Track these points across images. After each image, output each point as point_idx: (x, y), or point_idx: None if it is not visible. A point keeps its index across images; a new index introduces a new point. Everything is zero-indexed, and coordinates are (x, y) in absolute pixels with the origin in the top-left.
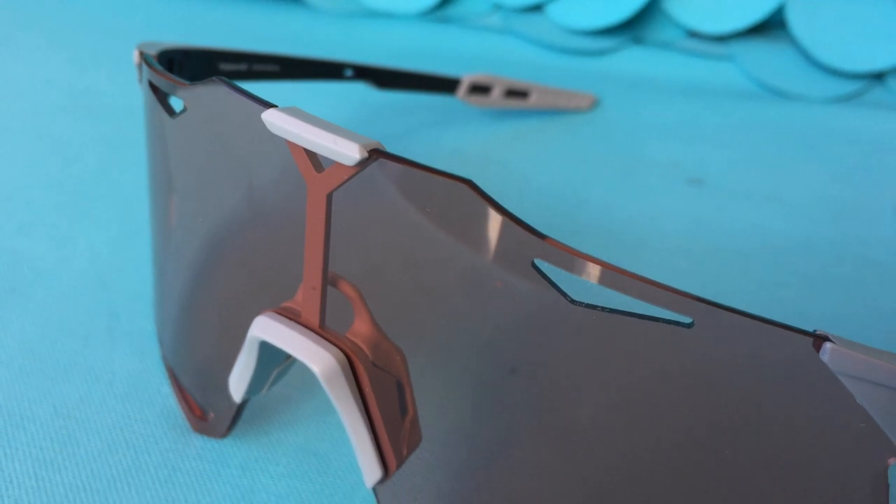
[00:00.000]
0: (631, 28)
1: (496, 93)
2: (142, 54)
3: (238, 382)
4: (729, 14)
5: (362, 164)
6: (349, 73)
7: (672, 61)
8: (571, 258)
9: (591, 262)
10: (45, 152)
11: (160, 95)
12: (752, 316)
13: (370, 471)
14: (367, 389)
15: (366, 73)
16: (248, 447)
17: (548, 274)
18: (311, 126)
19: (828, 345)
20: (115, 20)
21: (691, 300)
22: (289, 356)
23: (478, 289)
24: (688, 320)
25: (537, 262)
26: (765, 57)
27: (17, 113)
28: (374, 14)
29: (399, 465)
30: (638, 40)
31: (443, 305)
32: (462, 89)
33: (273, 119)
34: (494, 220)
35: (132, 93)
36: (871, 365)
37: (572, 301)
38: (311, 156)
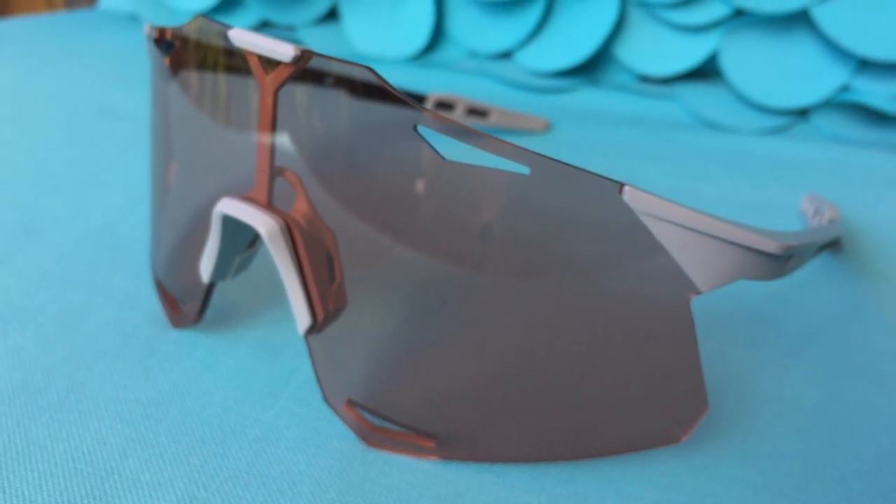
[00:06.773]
0: (588, 72)
1: (459, 110)
2: (150, 25)
3: (207, 263)
4: (669, 59)
5: (298, 62)
6: None
7: (621, 99)
8: (443, 123)
9: (457, 124)
10: (70, 144)
11: (161, 48)
12: (575, 167)
13: (301, 318)
14: (302, 251)
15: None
16: (214, 338)
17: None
18: (261, 36)
19: (627, 187)
20: (133, 52)
21: (529, 153)
22: (248, 246)
23: (378, 155)
24: (526, 170)
25: (420, 128)
26: (703, 96)
27: (51, 117)
28: (365, 58)
29: (326, 318)
30: (594, 82)
31: (359, 176)
32: (428, 105)
33: (236, 34)
34: (388, 96)
35: (145, 106)
36: (663, 204)
37: (444, 158)
38: (262, 61)
